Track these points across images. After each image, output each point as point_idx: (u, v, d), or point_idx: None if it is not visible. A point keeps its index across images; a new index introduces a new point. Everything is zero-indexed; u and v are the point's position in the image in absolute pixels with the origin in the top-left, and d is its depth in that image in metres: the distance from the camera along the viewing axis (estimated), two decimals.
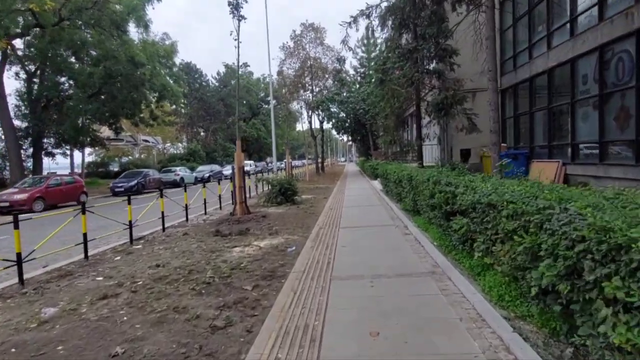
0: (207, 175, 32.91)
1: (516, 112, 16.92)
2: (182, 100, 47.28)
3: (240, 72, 49.55)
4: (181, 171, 28.45)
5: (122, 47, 19.67)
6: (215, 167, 36.58)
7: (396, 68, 14.68)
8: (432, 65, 15.76)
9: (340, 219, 9.78)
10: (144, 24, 21.71)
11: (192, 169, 34.77)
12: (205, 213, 11.85)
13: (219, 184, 16.37)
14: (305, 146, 43.29)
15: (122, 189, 21.38)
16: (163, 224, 9.29)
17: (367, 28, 16.08)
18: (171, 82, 27.64)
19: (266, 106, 74.10)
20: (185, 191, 11.44)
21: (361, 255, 6.08)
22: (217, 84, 58.82)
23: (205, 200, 11.97)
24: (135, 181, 22.24)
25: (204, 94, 50.03)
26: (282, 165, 59.53)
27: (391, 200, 12.89)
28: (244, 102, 64.24)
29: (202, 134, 57.30)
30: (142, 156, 52.10)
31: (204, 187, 12.22)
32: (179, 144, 59.76)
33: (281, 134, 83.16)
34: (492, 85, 8.65)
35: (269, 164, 74.34)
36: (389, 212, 10.48)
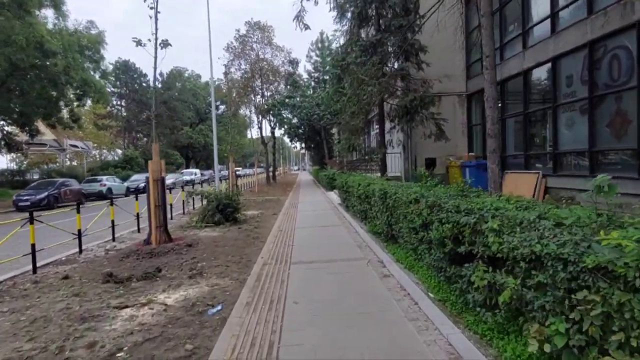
0: (142, 185, 29.09)
1: (484, 119, 15.60)
2: (112, 101, 42.70)
3: (187, 75, 45.31)
4: (108, 181, 24.61)
5: (27, 31, 15.99)
6: None
7: (357, 64, 12.72)
8: (397, 64, 14.01)
9: (291, 247, 7.44)
10: (54, 4, 18.03)
11: (126, 178, 30.80)
12: (113, 239, 8.97)
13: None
14: (257, 154, 40.53)
15: (28, 203, 17.52)
16: (34, 263, 6.40)
17: (321, 33, 14.10)
18: (97, 77, 23.76)
19: (215, 111, 69.79)
20: (112, 204, 8.57)
21: (324, 324, 3.78)
22: (159, 85, 54.41)
23: (113, 223, 9.07)
24: (46, 193, 18.39)
25: (144, 95, 45.70)
26: (237, 174, 56.16)
27: (353, 218, 10.76)
28: (191, 106, 60.21)
29: (144, 139, 52.53)
30: (72, 163, 46.44)
31: (112, 204, 9.30)
32: (118, 150, 54.41)
33: (231, 141, 79.42)
34: (490, 75, 6.83)
35: (220, 172, 70.46)
36: (354, 237, 8.31)
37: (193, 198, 13.34)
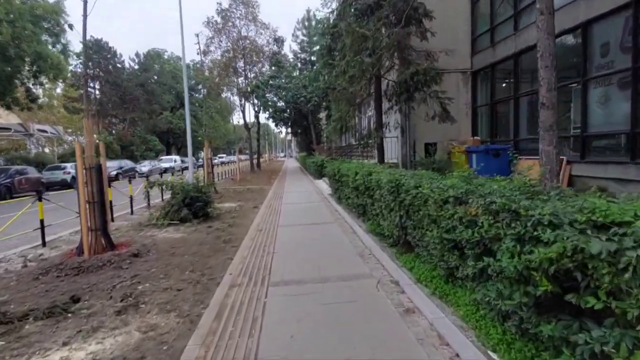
0: (114, 172, 26.85)
1: (493, 99, 13.96)
2: (80, 81, 39.35)
3: (167, 56, 42.29)
4: (73, 168, 22.27)
5: None
6: (127, 163, 30.38)
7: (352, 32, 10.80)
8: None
9: (272, 256, 5.66)
10: None
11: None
12: (44, 244, 7.02)
13: (129, 183, 11.51)
14: (243, 141, 38.20)
15: None
16: None
17: (307, 10, 12.19)
18: (55, 51, 21.09)
19: (197, 95, 67.74)
20: (40, 200, 6.58)
21: None
22: (136, 67, 51.20)
23: (42, 223, 7.09)
24: None
25: (118, 77, 42.70)
26: (217, 161, 53.65)
27: (348, 213, 9.02)
28: (171, 89, 57.24)
29: (119, 124, 49.54)
30: (43, 150, 43.39)
31: (40, 199, 7.29)
32: (95, 136, 51.26)
33: (215, 126, 76.79)
34: (546, 23, 4.99)
35: (200, 160, 67.83)
36: (352, 239, 6.57)
37: (162, 189, 11.36)
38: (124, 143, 43.55)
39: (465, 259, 3.21)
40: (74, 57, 26.12)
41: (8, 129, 34.88)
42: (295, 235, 7.10)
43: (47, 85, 47.33)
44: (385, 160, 14.37)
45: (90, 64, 43.34)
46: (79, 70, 42.66)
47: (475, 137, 14.55)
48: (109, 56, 44.09)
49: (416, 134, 15.07)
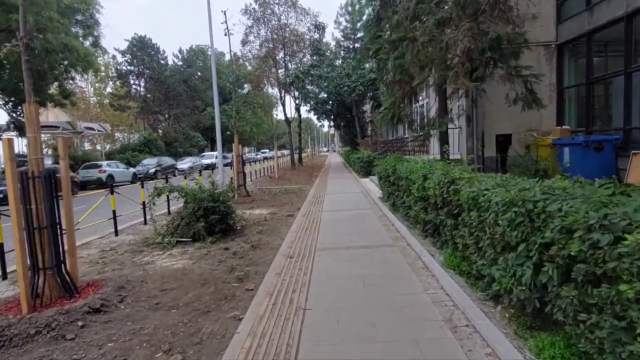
0: (153, 170, 26.13)
1: (589, 77, 10.93)
2: (108, 72, 39.43)
3: (210, 53, 41.65)
4: (109, 166, 21.54)
5: None
6: (166, 160, 29.69)
7: None
8: None
9: (302, 319, 3.53)
10: None
11: (128, 164, 27.94)
12: (4, 277, 5.34)
13: (166, 180, 10.01)
14: (286, 135, 36.11)
15: None
16: None
17: None
18: (87, 44, 20.37)
19: (240, 91, 67.61)
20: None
21: None
22: (179, 63, 51.24)
23: (1, 248, 5.42)
24: None
25: (161, 73, 42.64)
26: (260, 156, 52.69)
27: (409, 229, 6.73)
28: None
29: (164, 121, 49.93)
30: (95, 146, 44.55)
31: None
32: (142, 132, 52.12)
33: (258, 122, 76.41)
34: None
35: (245, 155, 67.53)
36: (431, 288, 4.26)
37: (167, 197, 9.66)
38: (168, 139, 43.66)
39: None
40: (106, 50, 25.15)
41: (56, 127, 35.72)
42: (339, 270, 4.93)
43: (97, 85, 48.70)
44: (438, 156, 11.83)
45: (134, 61, 43.83)
46: (124, 68, 43.27)
47: (563, 127, 11.59)
48: (152, 53, 44.26)
49: (485, 124, 12.35)
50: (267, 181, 19.66)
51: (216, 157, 42.32)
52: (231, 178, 12.55)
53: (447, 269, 4.60)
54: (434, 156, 12.48)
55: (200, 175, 13.83)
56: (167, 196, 7.48)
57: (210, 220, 6.81)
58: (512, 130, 12.26)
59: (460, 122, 12.38)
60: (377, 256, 5.38)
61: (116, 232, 7.72)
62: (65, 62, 17.41)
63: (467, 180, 4.16)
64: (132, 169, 24.17)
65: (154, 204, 6.91)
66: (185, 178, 14.31)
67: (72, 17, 18.77)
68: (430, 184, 5.05)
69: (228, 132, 60.01)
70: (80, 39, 20.39)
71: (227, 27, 12.43)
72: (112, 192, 7.70)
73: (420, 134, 10.53)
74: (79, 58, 17.59)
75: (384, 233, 6.82)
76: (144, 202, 8.78)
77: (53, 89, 20.32)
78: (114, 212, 7.74)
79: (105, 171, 20.70)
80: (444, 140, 9.79)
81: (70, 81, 44.55)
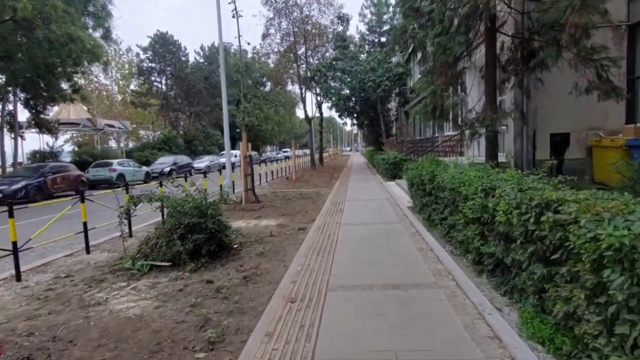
0: (168, 169, 25.17)
1: None
2: (132, 69, 38.75)
3: (233, 50, 40.40)
4: (121, 165, 20.56)
5: None
6: (182, 159, 28.71)
7: None
8: None
9: None
10: None
11: (144, 163, 27.15)
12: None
13: (185, 179, 8.75)
14: (310, 134, 34.60)
15: (0, 195, 13.66)
16: None
17: None
18: (97, 35, 19.49)
19: (262, 88, 66.66)
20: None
21: None
22: (201, 60, 50.56)
23: None
24: (23, 183, 14.42)
25: (182, 70, 41.95)
26: (281, 155, 51.42)
27: (454, 258, 5.01)
28: (236, 83, 56.26)
29: (186, 119, 49.38)
30: (119, 143, 44.40)
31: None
32: (162, 130, 51.77)
33: (281, 121, 75.39)
34: None
35: (264, 154, 66.47)
36: (496, 349, 2.58)
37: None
38: (188, 137, 42.98)
39: None
40: (119, 43, 23.92)
41: (77, 124, 35.49)
42: (359, 332, 3.27)
43: (121, 83, 48.69)
44: (479, 158, 9.95)
45: (155, 57, 43.38)
46: (146, 65, 42.88)
47: (637, 125, 9.52)
48: (174, 50, 43.67)
49: (537, 121, 10.41)
50: (284, 183, 18.16)
51: (236, 156, 41.46)
52: (221, 185, 11.13)
53: (531, 341, 2.90)
54: (471, 159, 10.64)
55: (221, 174, 12.56)
56: (122, 215, 6.01)
57: (196, 239, 5.29)
58: (570, 128, 10.26)
59: (508, 120, 10.47)
60: (414, 308, 3.70)
61: (87, 249, 6.34)
62: (74, 55, 16.40)
63: (581, 206, 2.44)
64: (145, 168, 23.19)
65: (126, 217, 5.47)
66: (205, 176, 13.06)
67: (79, 8, 17.87)
68: (500, 206, 3.34)
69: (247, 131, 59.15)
70: (90, 30, 19.52)
71: (235, 8, 10.95)
72: (82, 200, 6.30)
73: (457, 133, 8.75)
74: (84, 49, 16.61)
75: (420, 262, 5.12)
76: (128, 213, 7.37)
77: (63, 84, 19.49)
78: (84, 224, 6.35)
79: (115, 170, 19.73)
80: (492, 139, 7.95)
81: (94, 78, 44.94)
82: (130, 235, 7.55)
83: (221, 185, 11.19)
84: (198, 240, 5.29)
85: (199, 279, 4.78)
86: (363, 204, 10.36)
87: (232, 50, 61.56)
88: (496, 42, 7.97)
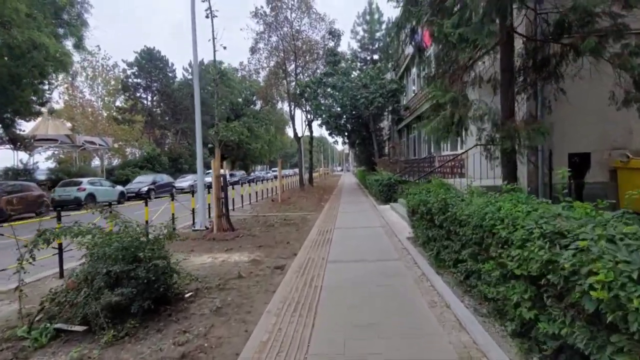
0: (146, 188, 23.45)
1: None
2: (118, 84, 37.37)
3: (223, 67, 39.42)
4: (91, 184, 18.85)
5: None
6: (162, 177, 27.01)
7: None
8: None
9: None
10: None
11: (124, 181, 25.53)
12: None
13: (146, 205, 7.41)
14: (299, 152, 33.20)
15: None
16: None
17: (369, 2, 7.58)
18: (64, 42, 18.00)
19: (252, 107, 65.66)
20: None
21: None
22: (189, 76, 49.41)
23: None
24: None
25: (168, 86, 40.67)
26: (270, 175, 49.84)
27: (487, 326, 3.52)
28: (225, 100, 55.16)
29: (172, 137, 47.77)
30: (111, 162, 42.46)
31: None
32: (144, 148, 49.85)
33: (271, 140, 74.19)
34: None
35: (252, 174, 64.82)
36: None
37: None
38: (173, 155, 41.29)
39: None
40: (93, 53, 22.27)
41: (55, 140, 33.69)
42: None
43: (107, 99, 47.06)
44: (486, 181, 8.59)
45: (141, 73, 42.08)
46: (131, 80, 41.51)
47: None
48: (161, 65, 42.47)
49: (553, 140, 9.15)
50: (268, 205, 16.64)
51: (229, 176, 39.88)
52: (173, 214, 9.63)
53: None
54: (473, 180, 9.30)
55: (209, 193, 11.18)
56: (32, 251, 4.44)
57: (120, 294, 3.75)
58: (590, 147, 9.02)
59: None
60: None
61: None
62: (38, 63, 14.91)
63: None
64: (119, 187, 21.47)
65: (28, 261, 3.93)
66: (193, 195, 11.56)
67: (49, 14, 16.50)
68: (600, 271, 1.91)
69: (234, 150, 57.77)
70: (62, 39, 18.11)
71: (210, 7, 9.66)
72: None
73: (462, 151, 7.42)
74: (49, 57, 15.16)
75: (436, 329, 3.63)
76: (31, 252, 5.80)
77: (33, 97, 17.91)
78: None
79: (84, 189, 18.00)
80: (510, 159, 6.60)
81: (79, 94, 43.34)
82: (61, 275, 5.97)
83: (173, 215, 9.64)
84: (125, 295, 3.75)
85: (113, 358, 3.22)
86: (355, 233, 8.88)
87: (222, 67, 60.67)
88: (514, 43, 6.73)
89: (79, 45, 20.72)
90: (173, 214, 10.01)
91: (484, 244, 3.71)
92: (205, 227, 9.91)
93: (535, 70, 7.46)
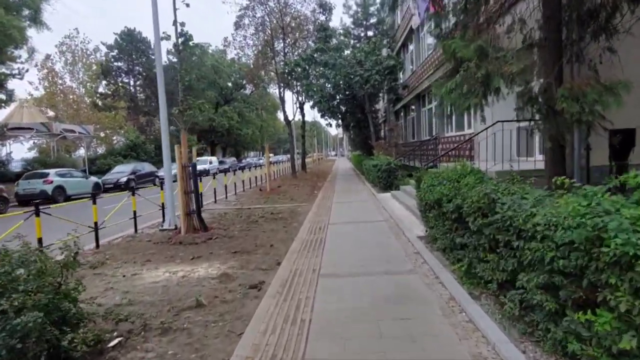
0: (125, 179, 21.68)
1: None
2: (99, 69, 35.23)
3: (211, 50, 37.28)
4: (60, 176, 17.05)
5: None
6: (143, 167, 25.22)
7: None
8: None
9: None
10: None
11: (105, 171, 23.81)
12: None
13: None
14: (291, 137, 31.27)
15: None
16: None
17: None
18: (22, 19, 16.03)
19: (242, 91, 63.34)
20: None
21: None
22: (174, 59, 47.01)
23: None
24: None
25: (151, 70, 38.40)
26: (262, 161, 48.01)
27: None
28: (213, 85, 52.83)
29: (158, 123, 45.65)
30: (92, 152, 40.34)
31: None
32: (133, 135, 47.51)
33: (263, 125, 71.95)
34: None
35: (243, 160, 62.86)
36: None
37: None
38: (159, 143, 39.29)
39: None
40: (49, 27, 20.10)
41: (30, 129, 31.55)
42: None
43: (89, 85, 44.54)
44: (508, 162, 7.03)
45: (122, 56, 39.69)
46: (111, 64, 39.13)
47: None
48: (143, 48, 40.00)
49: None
50: (255, 195, 15.02)
51: (210, 163, 37.88)
52: (134, 212, 8.00)
53: None
54: (482, 163, 7.73)
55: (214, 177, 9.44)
56: None
57: None
58: (635, 122, 7.46)
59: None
60: None
61: None
62: None
63: None
64: (93, 178, 19.68)
65: None
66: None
67: None
68: None
69: (224, 136, 55.68)
70: (13, 11, 16.03)
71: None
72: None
73: (478, 132, 5.81)
74: None
75: None
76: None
77: None
78: None
79: (51, 182, 16.22)
80: (557, 138, 5.02)
81: (59, 80, 40.84)
82: None
83: (135, 212, 8.04)
84: None
85: None
86: (353, 231, 7.31)
87: (210, 50, 57.96)
88: None
89: (34, 19, 18.54)
90: (135, 212, 8.37)
91: (589, 277, 2.14)
92: (175, 226, 8.31)
93: (581, 24, 5.83)
